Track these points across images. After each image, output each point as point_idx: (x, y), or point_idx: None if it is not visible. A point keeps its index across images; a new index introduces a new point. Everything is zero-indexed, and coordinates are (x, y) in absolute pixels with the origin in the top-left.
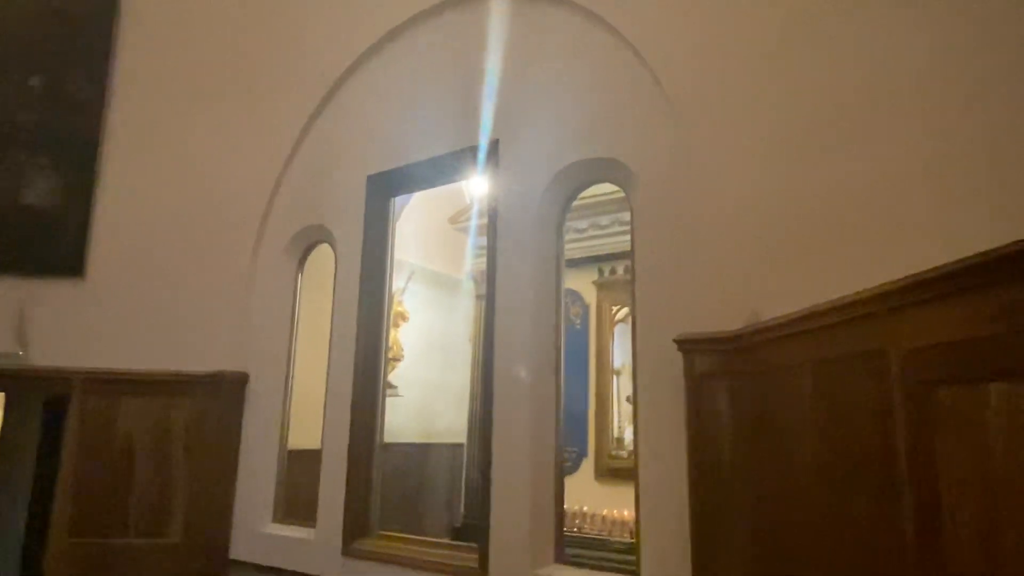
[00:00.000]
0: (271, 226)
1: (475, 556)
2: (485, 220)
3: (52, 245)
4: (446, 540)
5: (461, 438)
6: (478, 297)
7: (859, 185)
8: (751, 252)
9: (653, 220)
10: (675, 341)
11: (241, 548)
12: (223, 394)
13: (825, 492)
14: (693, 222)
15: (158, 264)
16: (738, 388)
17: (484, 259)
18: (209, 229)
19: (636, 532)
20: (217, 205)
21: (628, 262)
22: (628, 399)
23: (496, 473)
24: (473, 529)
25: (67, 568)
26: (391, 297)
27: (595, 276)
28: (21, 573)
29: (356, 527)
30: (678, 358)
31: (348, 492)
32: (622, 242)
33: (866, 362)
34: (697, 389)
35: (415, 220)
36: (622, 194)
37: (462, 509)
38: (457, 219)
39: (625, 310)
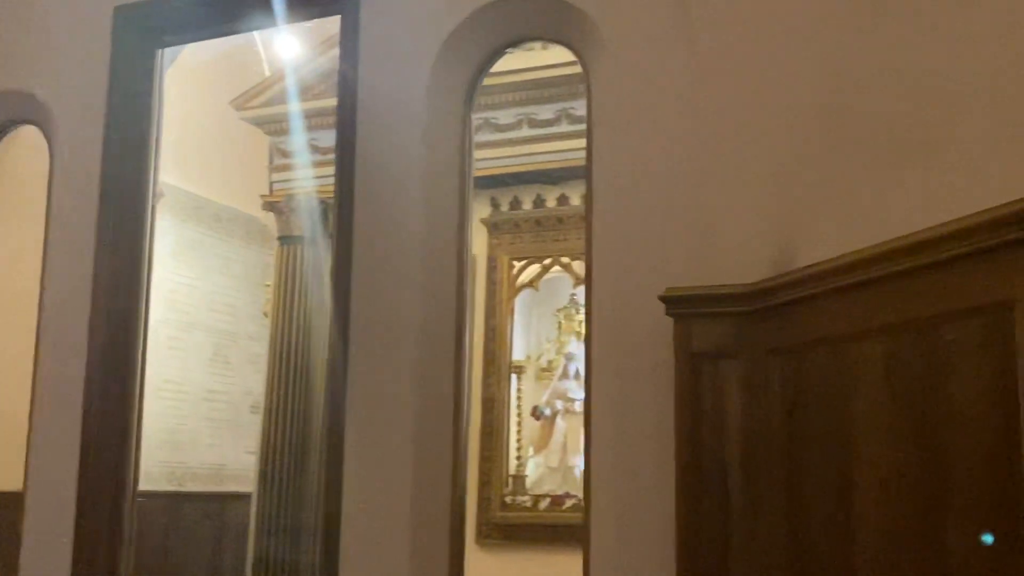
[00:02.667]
0: None
1: None
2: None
3: None
4: None
5: (243, 485)
6: (280, 240)
7: (951, 73)
8: (783, 166)
9: (630, 111)
10: (663, 299)
11: None
12: None
13: (906, 524)
14: (695, 118)
15: None
16: (760, 374)
17: (291, 178)
18: None
19: None
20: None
21: (540, 190)
22: (536, 412)
23: (348, 539)
24: None
25: None
26: (153, 229)
27: (486, 212)
28: None
29: None
30: (659, 334)
31: (77, 559)
32: (543, 151)
33: (978, 323)
34: (694, 378)
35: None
36: (555, 70)
37: None
38: (247, 103)
39: (534, 267)
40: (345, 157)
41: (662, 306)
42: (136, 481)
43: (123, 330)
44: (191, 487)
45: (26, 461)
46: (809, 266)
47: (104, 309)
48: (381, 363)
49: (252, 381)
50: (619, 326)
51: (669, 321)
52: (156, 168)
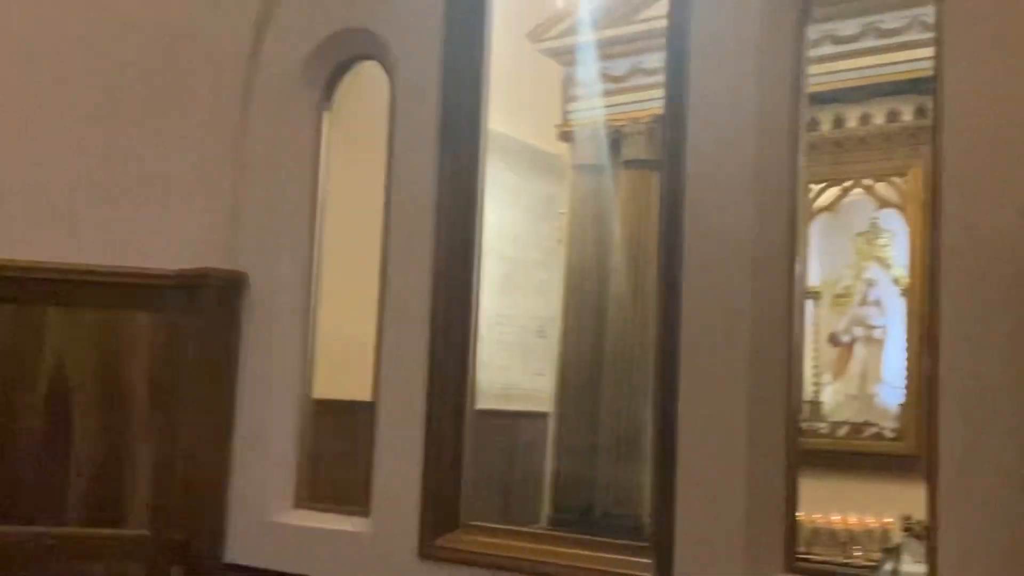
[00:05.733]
0: (273, 37)
1: (644, 562)
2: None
3: None
4: (591, 537)
5: (531, 405)
6: (574, 169)
7: None
8: None
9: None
10: None
11: (242, 546)
12: (206, 306)
13: None
14: None
15: (91, 100)
16: None
17: (585, 108)
18: (171, 44)
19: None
20: (184, 12)
21: (840, 109)
22: (834, 338)
23: (686, 454)
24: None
25: None
26: (484, 155)
27: None
28: None
29: (439, 518)
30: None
31: (427, 469)
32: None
33: None
34: None
35: None
36: None
37: (548, 499)
38: (543, 34)
39: (833, 191)
40: (674, 78)
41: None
42: (474, 397)
43: (461, 256)
44: (483, 405)
45: (375, 376)
46: None
47: (444, 236)
48: (713, 279)
49: (538, 306)
50: (973, 244)
51: None
52: (487, 103)
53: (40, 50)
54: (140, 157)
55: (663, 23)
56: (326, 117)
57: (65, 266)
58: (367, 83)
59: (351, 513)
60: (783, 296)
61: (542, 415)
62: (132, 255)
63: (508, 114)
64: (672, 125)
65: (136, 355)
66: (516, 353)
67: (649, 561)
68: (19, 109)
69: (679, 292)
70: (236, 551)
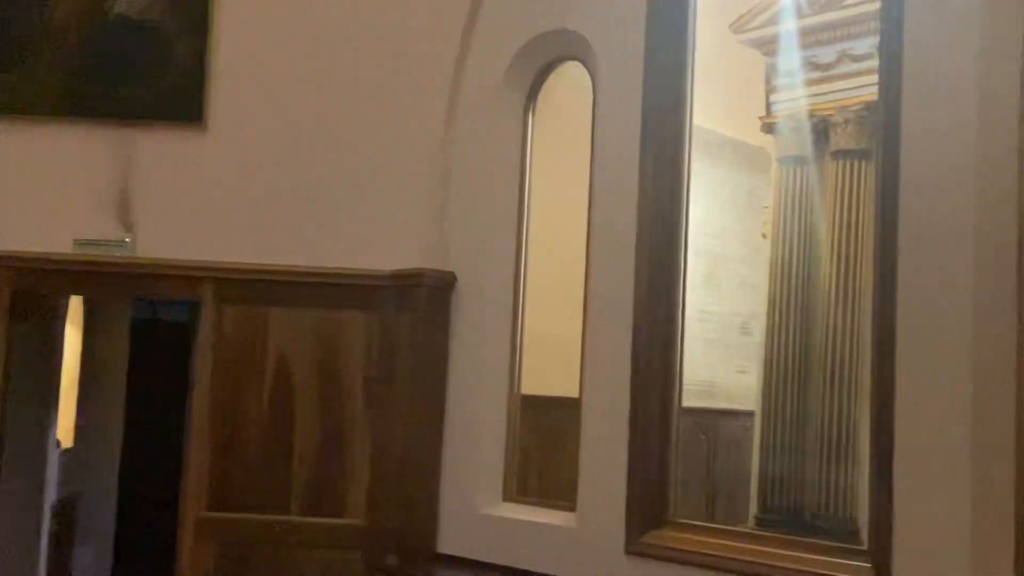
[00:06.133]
0: (479, 43)
1: (862, 566)
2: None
3: (156, 76)
4: (803, 538)
5: (732, 403)
6: (779, 161)
7: None
8: None
9: None
10: None
11: (454, 537)
12: (419, 305)
13: None
14: None
15: (310, 112)
16: None
17: (790, 98)
18: (382, 54)
19: None
20: (391, 16)
21: None
22: None
23: (904, 456)
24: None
25: (203, 556)
26: (689, 151)
27: None
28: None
29: (646, 515)
30: None
31: (632, 465)
32: None
33: None
34: None
35: None
36: None
37: (754, 499)
38: (745, 25)
39: None
40: (888, 62)
41: None
42: (680, 394)
43: (666, 253)
44: (685, 403)
45: (581, 372)
46: None
47: (648, 233)
48: (932, 273)
49: (741, 302)
50: None
51: None
52: (691, 99)
53: (266, 63)
54: (355, 164)
55: (873, 7)
56: (531, 118)
57: (288, 268)
58: (568, 82)
59: (558, 507)
60: (1009, 289)
61: (747, 413)
62: (348, 257)
63: (710, 108)
64: (886, 112)
65: (352, 352)
66: (718, 350)
67: (867, 565)
68: (250, 126)
69: (895, 287)
70: (447, 542)
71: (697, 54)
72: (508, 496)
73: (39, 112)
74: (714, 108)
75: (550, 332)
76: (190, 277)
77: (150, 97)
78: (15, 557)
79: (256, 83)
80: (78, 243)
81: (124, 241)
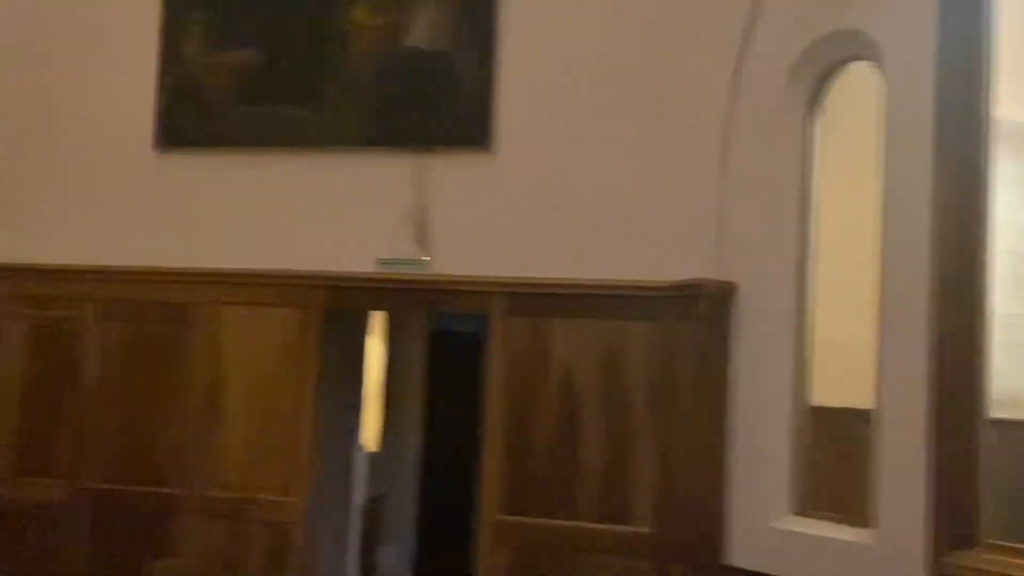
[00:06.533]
0: (758, 49)
1: None
2: None
3: (446, 104)
4: None
5: None
6: None
7: None
8: None
9: None
10: None
11: (741, 549)
12: (700, 316)
13: None
14: None
15: (591, 130)
16: None
17: None
18: (660, 68)
19: None
20: (668, 29)
21: None
22: None
23: None
24: None
25: (499, 559)
26: (990, 147)
27: None
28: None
29: (953, 534)
30: None
31: (938, 482)
32: None
33: None
34: None
35: None
36: None
37: None
38: None
39: None
40: None
41: None
42: (987, 405)
43: (967, 255)
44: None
45: (875, 383)
46: None
47: (946, 233)
48: None
49: None
50: None
51: None
52: (990, 89)
53: (548, 87)
54: (635, 178)
55: None
56: (812, 122)
57: (572, 281)
58: (852, 81)
59: (851, 523)
60: None
61: None
62: (629, 269)
63: (1013, 99)
64: None
65: (634, 362)
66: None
67: None
68: (534, 148)
69: None
70: (734, 554)
71: (998, 38)
72: (798, 510)
73: (340, 143)
74: (1017, 98)
75: (839, 342)
76: (482, 292)
77: (442, 126)
78: (329, 555)
79: (539, 106)
80: (381, 262)
81: (422, 259)
